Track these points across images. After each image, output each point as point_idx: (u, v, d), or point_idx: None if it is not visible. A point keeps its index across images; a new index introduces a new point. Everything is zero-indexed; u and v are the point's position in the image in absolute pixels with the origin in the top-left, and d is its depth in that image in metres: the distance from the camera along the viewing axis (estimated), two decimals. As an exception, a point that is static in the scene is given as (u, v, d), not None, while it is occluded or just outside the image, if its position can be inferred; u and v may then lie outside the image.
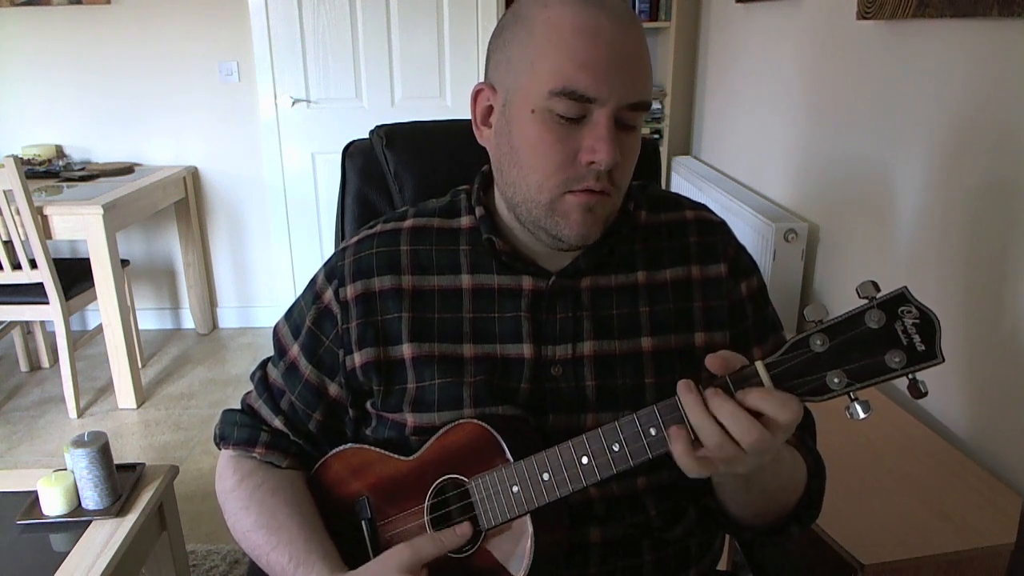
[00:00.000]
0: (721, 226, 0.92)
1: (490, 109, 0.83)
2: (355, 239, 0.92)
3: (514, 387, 0.83)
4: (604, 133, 0.74)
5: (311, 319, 0.90)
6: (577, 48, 0.74)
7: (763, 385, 0.65)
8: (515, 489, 0.75)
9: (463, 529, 0.77)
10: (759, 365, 0.66)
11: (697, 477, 0.68)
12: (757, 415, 0.65)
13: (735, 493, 0.82)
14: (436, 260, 0.88)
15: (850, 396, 0.64)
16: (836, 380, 0.63)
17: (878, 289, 0.62)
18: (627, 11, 0.77)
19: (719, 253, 0.89)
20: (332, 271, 0.90)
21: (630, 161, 0.80)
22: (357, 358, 0.86)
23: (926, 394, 0.62)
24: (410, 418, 0.84)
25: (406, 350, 0.85)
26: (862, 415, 0.63)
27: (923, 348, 0.61)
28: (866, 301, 0.62)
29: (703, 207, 0.94)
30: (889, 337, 0.61)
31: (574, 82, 0.74)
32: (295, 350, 0.91)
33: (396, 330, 0.85)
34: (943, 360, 0.61)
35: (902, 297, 0.61)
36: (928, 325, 0.61)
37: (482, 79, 0.84)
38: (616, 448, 0.71)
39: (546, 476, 0.74)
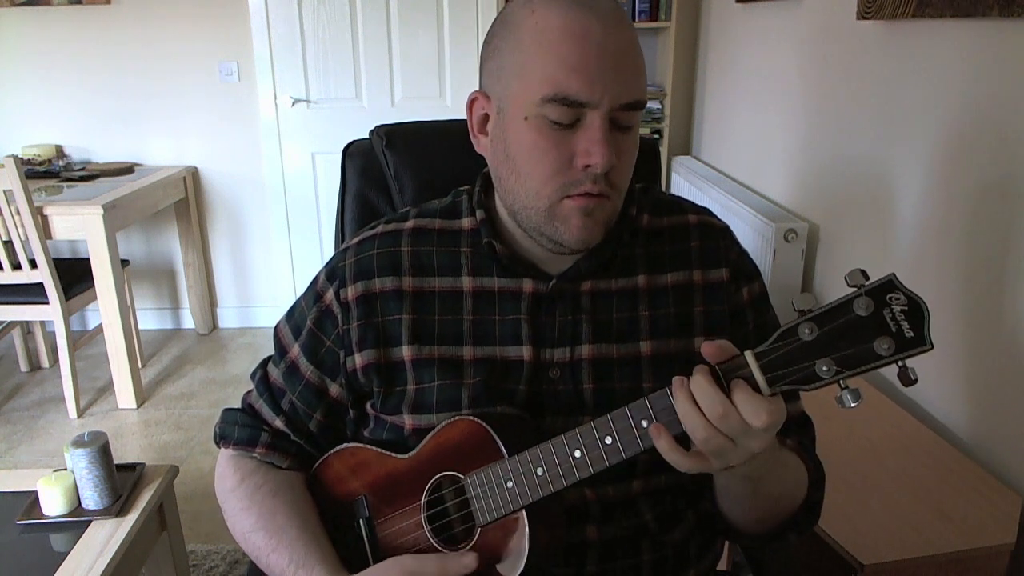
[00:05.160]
0: (724, 231, 0.91)
1: (486, 117, 0.83)
2: (356, 240, 0.92)
3: (512, 389, 0.83)
4: (599, 136, 0.73)
5: (312, 320, 0.90)
6: (566, 52, 0.73)
7: (751, 375, 0.65)
8: (509, 484, 0.75)
9: (468, 559, 0.76)
10: (748, 355, 0.65)
11: (690, 473, 0.68)
12: None
13: (740, 499, 0.82)
14: (437, 262, 0.88)
15: (840, 384, 0.63)
16: (825, 368, 0.62)
17: (866, 277, 0.62)
18: (616, 10, 0.75)
19: (721, 258, 0.88)
20: (333, 272, 0.90)
21: (627, 162, 0.79)
22: (358, 359, 0.86)
23: (916, 381, 0.61)
24: (408, 420, 0.84)
25: (406, 352, 0.85)
26: (852, 404, 0.63)
27: (912, 335, 0.60)
28: (855, 289, 0.62)
29: (706, 211, 0.93)
30: (878, 324, 0.61)
31: (565, 87, 0.73)
32: (296, 350, 0.91)
33: (396, 332, 0.85)
34: (932, 347, 0.60)
35: (890, 284, 0.61)
36: (917, 312, 0.60)
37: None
38: (608, 441, 0.71)
39: (540, 471, 0.74)
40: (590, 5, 0.74)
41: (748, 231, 2.25)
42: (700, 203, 0.95)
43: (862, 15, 1.75)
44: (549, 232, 0.80)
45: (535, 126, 0.76)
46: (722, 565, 1.00)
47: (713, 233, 0.90)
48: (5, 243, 2.57)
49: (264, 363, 0.97)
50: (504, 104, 0.79)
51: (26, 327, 3.16)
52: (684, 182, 3.01)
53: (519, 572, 0.74)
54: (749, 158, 2.68)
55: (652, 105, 3.11)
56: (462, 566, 0.75)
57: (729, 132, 2.89)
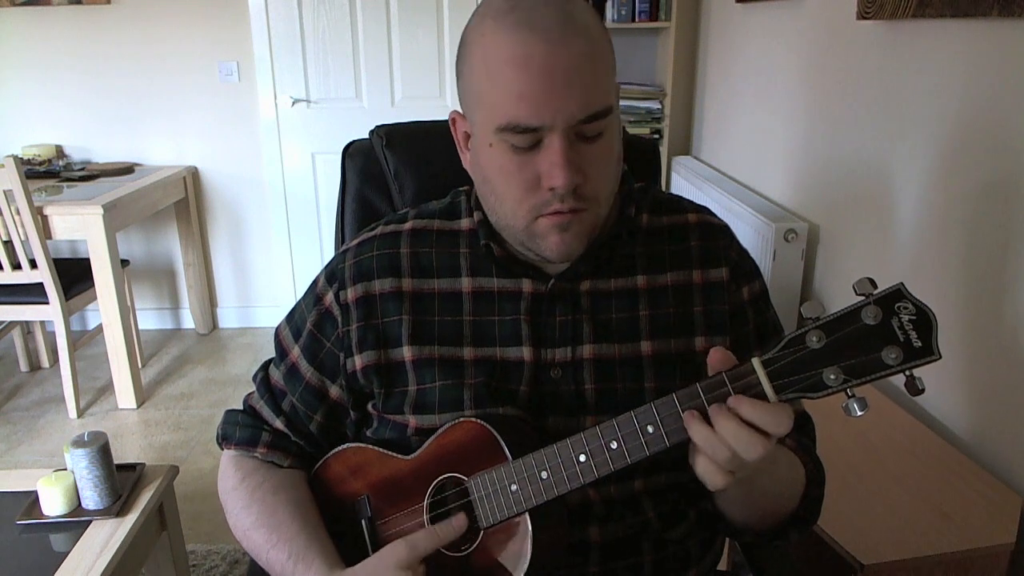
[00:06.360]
0: (723, 230, 0.91)
1: (467, 135, 0.83)
2: (356, 241, 0.92)
3: (514, 389, 0.83)
4: (557, 158, 0.73)
5: (312, 322, 0.90)
6: (511, 80, 0.72)
7: (759, 382, 0.65)
8: (513, 487, 0.75)
9: (459, 521, 0.77)
10: (756, 362, 0.65)
11: (719, 489, 0.68)
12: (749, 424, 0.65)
13: (736, 500, 0.82)
14: (436, 262, 0.88)
15: (847, 393, 0.63)
16: (833, 377, 0.62)
17: (875, 286, 0.62)
18: (564, 23, 0.72)
19: (721, 257, 0.88)
20: (333, 274, 0.90)
21: (600, 171, 0.78)
22: (357, 361, 0.86)
23: (923, 391, 0.61)
24: (412, 420, 0.84)
25: (406, 353, 0.85)
26: (859, 412, 0.63)
27: (920, 344, 0.60)
28: (863, 297, 0.62)
29: (706, 210, 0.93)
30: (886, 333, 0.61)
31: (515, 116, 0.72)
32: (296, 352, 0.92)
33: (396, 333, 0.86)
34: (940, 357, 0.60)
35: (899, 293, 0.61)
36: (925, 321, 0.60)
37: None
38: (614, 446, 0.71)
39: (544, 474, 0.74)
40: (533, 25, 0.71)
41: (748, 231, 2.25)
42: (700, 203, 0.95)
43: (862, 15, 1.75)
44: (532, 247, 0.81)
45: (499, 151, 0.76)
46: (722, 565, 1.00)
47: (713, 232, 0.90)
48: (5, 243, 2.57)
49: (266, 365, 0.97)
50: (473, 128, 0.80)
51: (26, 327, 3.16)
52: (684, 182, 3.01)
53: (522, 574, 0.74)
54: (749, 158, 2.68)
55: (652, 105, 3.11)
56: (453, 529, 0.76)
57: (729, 132, 2.89)
